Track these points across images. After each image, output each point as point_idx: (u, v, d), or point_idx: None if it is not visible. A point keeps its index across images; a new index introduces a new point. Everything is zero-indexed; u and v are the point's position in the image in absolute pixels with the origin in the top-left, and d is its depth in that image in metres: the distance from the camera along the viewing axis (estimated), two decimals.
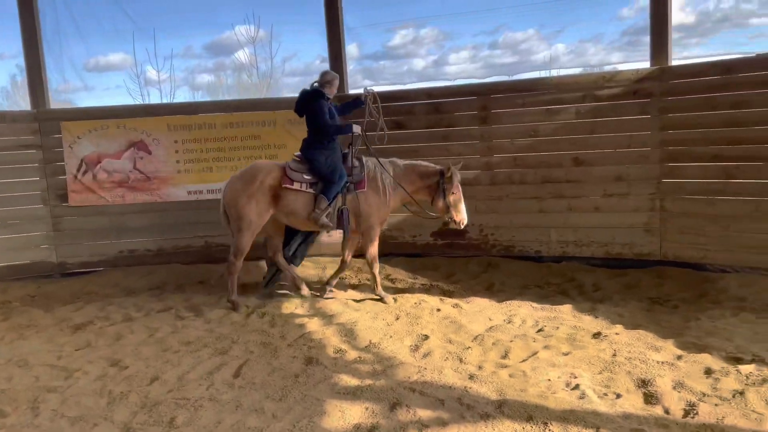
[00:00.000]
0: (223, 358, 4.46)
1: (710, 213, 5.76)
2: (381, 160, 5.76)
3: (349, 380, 3.99)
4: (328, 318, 5.29)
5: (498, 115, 6.66)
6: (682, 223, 5.95)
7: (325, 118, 5.50)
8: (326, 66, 7.36)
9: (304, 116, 5.67)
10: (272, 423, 3.48)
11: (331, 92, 5.67)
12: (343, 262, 6.10)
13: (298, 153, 5.76)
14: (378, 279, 5.77)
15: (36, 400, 3.88)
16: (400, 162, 5.82)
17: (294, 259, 6.33)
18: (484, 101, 6.67)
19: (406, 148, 6.97)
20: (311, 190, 5.64)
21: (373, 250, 5.78)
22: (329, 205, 5.60)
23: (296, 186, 5.65)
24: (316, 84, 5.63)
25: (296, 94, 5.73)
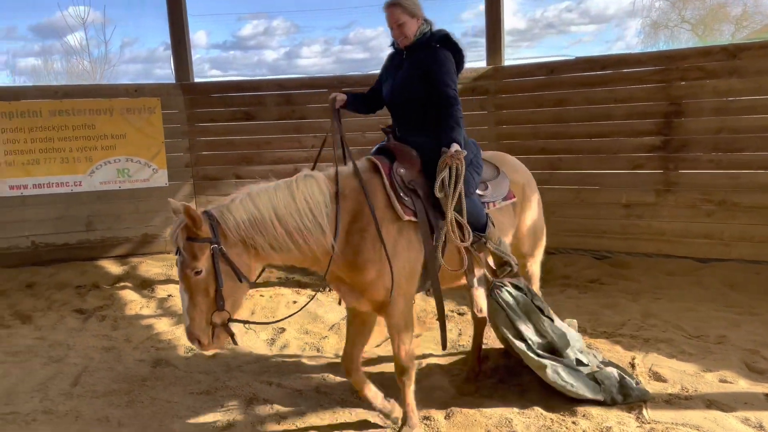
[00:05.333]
0: (59, 366, 4.09)
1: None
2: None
3: (203, 379, 3.87)
4: (177, 317, 5.06)
5: None
6: None
7: None
8: (169, 53, 6.99)
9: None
10: (118, 431, 3.27)
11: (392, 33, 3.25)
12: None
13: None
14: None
15: None
16: None
17: None
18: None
19: (257, 140, 6.85)
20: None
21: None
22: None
23: None
24: None
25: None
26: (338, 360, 4.03)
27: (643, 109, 5.83)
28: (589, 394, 3.16)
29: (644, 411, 3.09)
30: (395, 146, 3.11)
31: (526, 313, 3.30)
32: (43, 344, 4.50)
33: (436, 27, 3.21)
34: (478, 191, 3.19)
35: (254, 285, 2.81)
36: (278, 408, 3.41)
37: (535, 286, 3.77)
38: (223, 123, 6.86)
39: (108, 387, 3.78)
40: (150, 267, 6.51)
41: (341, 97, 3.33)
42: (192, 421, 3.34)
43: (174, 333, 4.63)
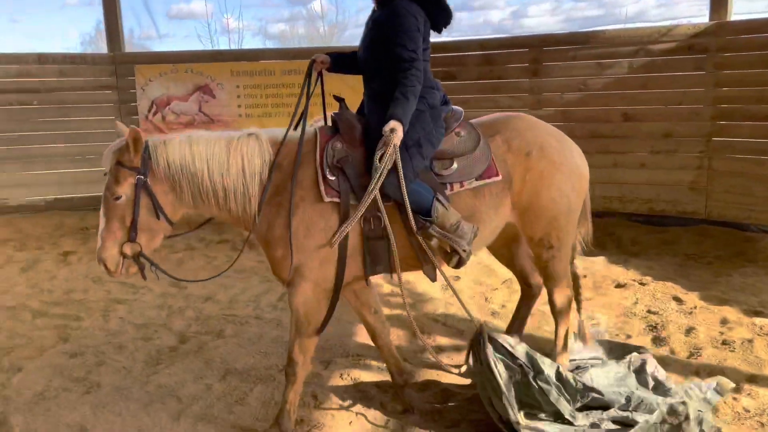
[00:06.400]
0: (270, 284, 4.91)
1: (758, 173, 5.66)
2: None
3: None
4: None
5: (549, 68, 6.66)
6: (728, 183, 5.88)
7: None
8: None
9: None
10: None
11: None
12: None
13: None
14: None
15: (107, 309, 4.45)
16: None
17: None
18: (536, 53, 6.68)
19: (455, 100, 7.09)
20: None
21: None
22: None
23: None
24: None
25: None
26: (502, 309, 4.23)
27: None
28: None
29: None
30: (340, 117, 2.82)
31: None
32: (262, 266, 5.39)
33: None
34: (440, 171, 2.79)
35: (174, 226, 2.74)
36: (439, 341, 3.76)
37: (560, 295, 3.12)
38: None
39: None
40: None
41: (322, 59, 3.01)
42: (365, 342, 3.83)
43: None
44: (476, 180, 2.81)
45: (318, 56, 2.99)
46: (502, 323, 3.99)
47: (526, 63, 6.72)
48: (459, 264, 2.75)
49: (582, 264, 5.23)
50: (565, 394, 2.69)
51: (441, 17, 2.86)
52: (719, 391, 2.86)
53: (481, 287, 4.75)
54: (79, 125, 7.47)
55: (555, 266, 3.04)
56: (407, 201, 2.61)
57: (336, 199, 2.65)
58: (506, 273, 5.03)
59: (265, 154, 2.68)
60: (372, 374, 3.42)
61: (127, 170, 2.57)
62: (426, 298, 4.52)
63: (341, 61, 3.05)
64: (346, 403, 3.12)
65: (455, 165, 2.81)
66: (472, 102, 6.98)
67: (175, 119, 7.58)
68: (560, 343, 3.15)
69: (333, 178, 2.66)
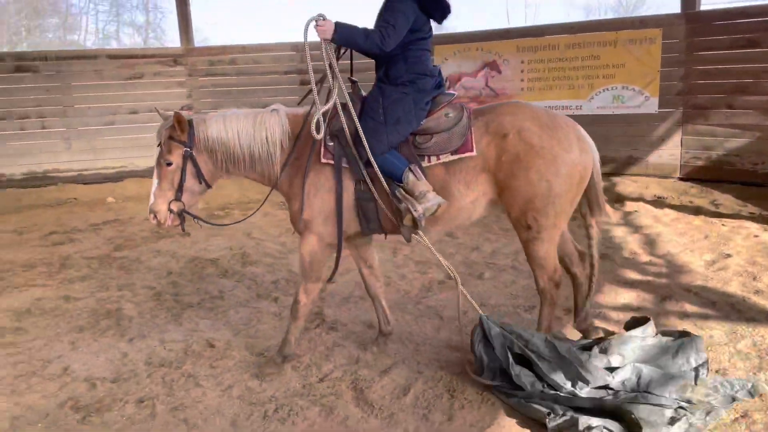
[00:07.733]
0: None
1: None
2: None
3: (632, 275, 4.53)
4: (634, 227, 5.72)
5: None
6: None
7: None
8: None
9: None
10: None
11: None
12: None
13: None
14: None
15: (395, 249, 5.47)
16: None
17: None
18: None
19: (755, 69, 6.49)
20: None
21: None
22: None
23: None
24: None
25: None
26: None
27: None
28: None
29: None
30: (350, 95, 3.14)
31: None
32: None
33: None
34: (420, 144, 3.11)
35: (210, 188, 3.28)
36: (686, 308, 3.82)
37: (541, 279, 3.16)
38: (722, 51, 6.74)
39: None
40: (627, 186, 7.21)
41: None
42: (611, 298, 4.09)
43: (625, 239, 5.34)
44: (451, 154, 3.08)
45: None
46: (764, 301, 3.83)
47: None
48: (414, 225, 3.05)
49: None
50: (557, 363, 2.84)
51: (435, 9, 3.16)
52: (752, 392, 2.75)
53: (754, 267, 4.50)
54: None
55: (535, 248, 3.11)
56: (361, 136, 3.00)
57: (331, 161, 3.13)
58: None
59: (285, 126, 3.20)
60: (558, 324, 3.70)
61: (176, 143, 3.15)
62: (685, 270, 4.51)
63: None
64: None
65: (434, 139, 3.12)
66: None
67: (464, 94, 8.45)
68: (543, 322, 3.24)
69: (331, 144, 3.14)
